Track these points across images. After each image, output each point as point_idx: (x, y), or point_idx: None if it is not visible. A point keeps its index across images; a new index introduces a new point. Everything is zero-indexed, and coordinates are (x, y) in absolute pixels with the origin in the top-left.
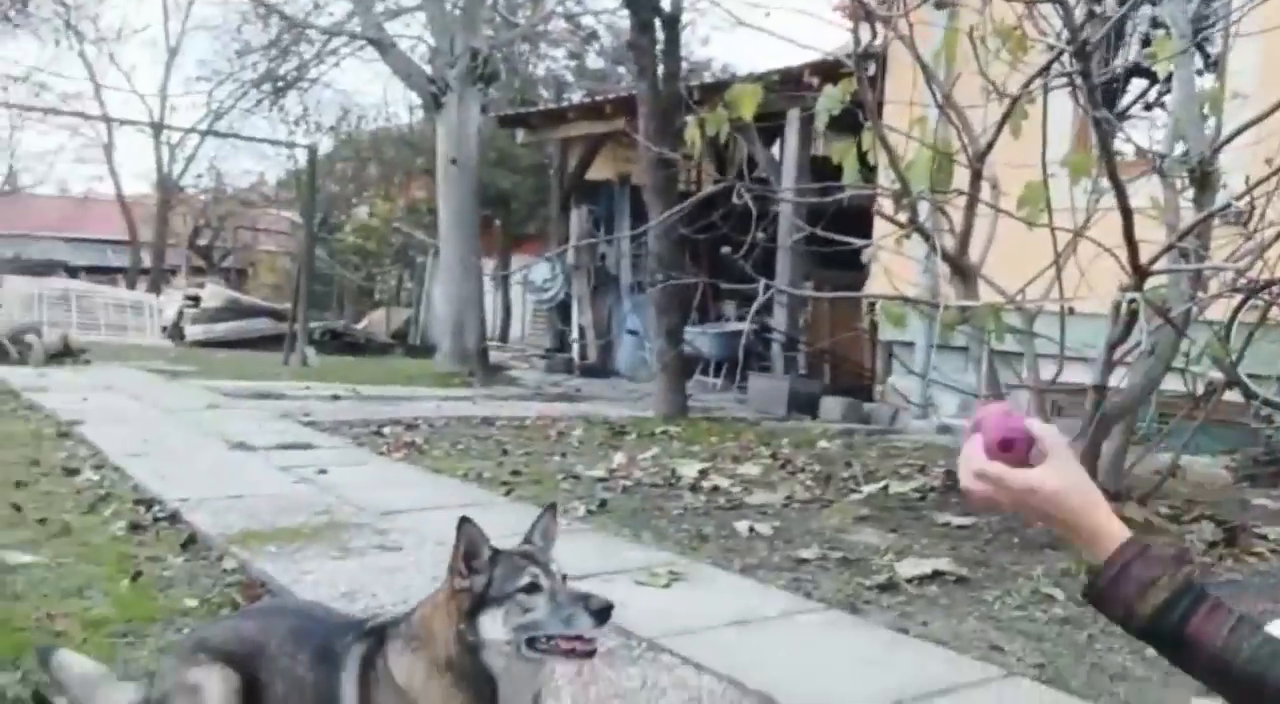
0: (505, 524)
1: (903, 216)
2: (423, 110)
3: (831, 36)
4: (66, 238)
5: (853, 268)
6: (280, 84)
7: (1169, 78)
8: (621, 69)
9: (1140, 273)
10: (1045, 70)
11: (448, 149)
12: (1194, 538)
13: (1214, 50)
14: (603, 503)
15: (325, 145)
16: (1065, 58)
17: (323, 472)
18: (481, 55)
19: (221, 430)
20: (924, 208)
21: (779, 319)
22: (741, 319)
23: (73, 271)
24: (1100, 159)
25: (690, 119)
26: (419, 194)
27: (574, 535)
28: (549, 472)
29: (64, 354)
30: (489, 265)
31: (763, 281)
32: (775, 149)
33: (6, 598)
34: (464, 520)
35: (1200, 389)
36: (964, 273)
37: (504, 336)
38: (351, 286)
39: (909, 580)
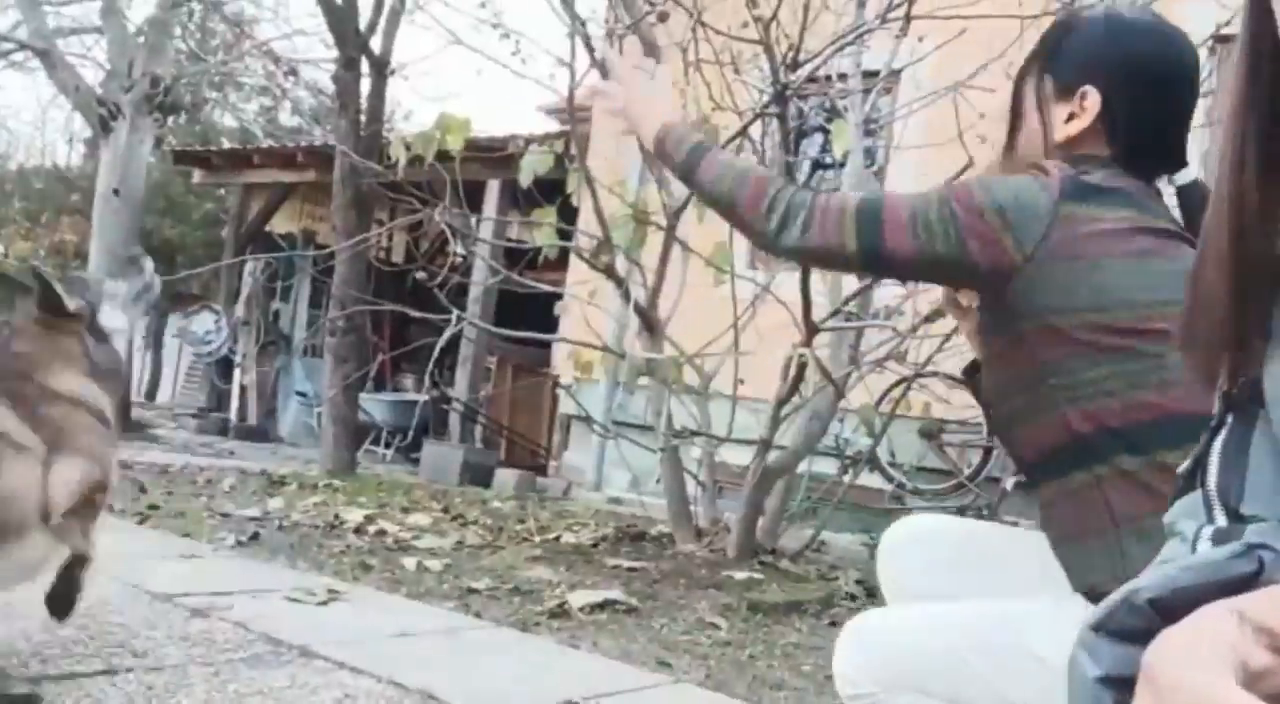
0: (138, 549)
1: (601, 262)
2: (85, 145)
3: (540, 126)
4: None
5: (539, 346)
6: None
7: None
8: (318, 130)
9: (812, 330)
10: (739, 135)
11: (110, 179)
12: (840, 586)
13: (878, 159)
14: (255, 535)
15: None
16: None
17: None
18: (163, 83)
19: None
20: (619, 262)
21: (460, 388)
22: (419, 391)
23: None
24: None
25: (395, 137)
26: (68, 236)
27: (220, 560)
28: (194, 509)
29: None
30: (140, 323)
31: (455, 313)
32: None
33: None
34: None
35: (845, 468)
36: (652, 325)
37: (151, 396)
38: None
39: (580, 608)
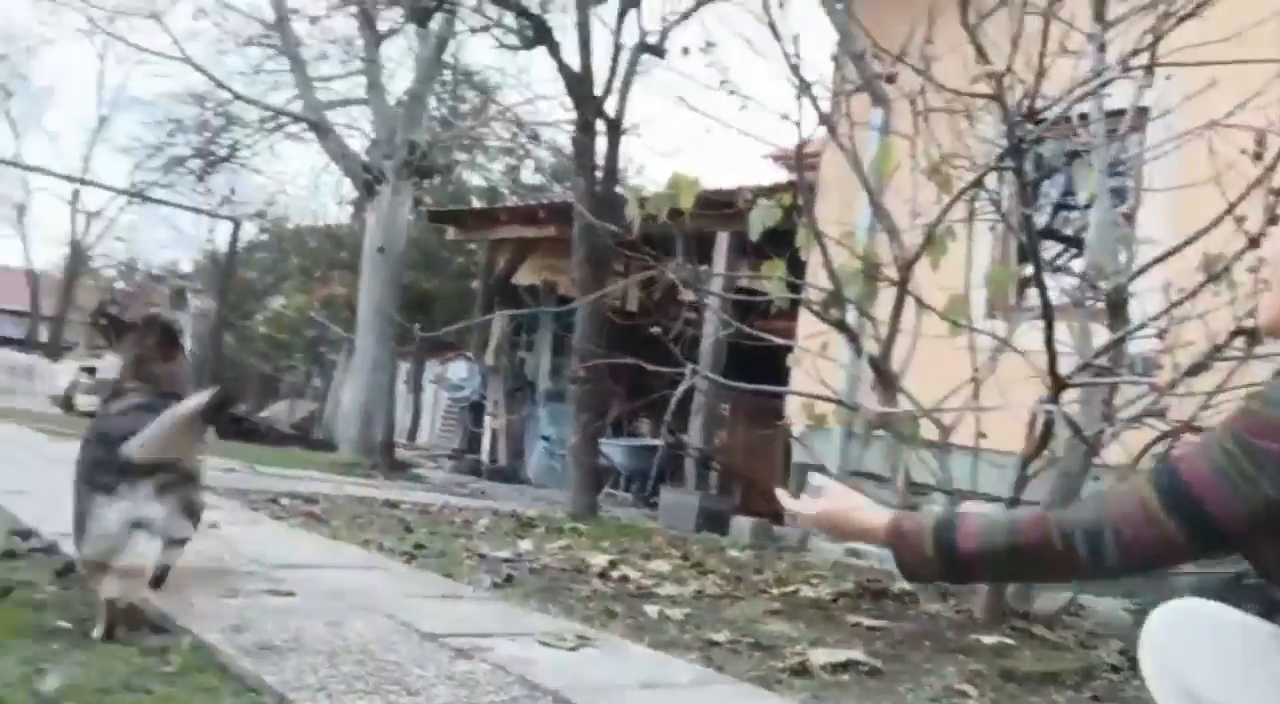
0: (407, 588)
1: (832, 315)
2: (352, 206)
3: (767, 176)
4: None
5: (772, 394)
6: (210, 161)
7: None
8: (558, 187)
9: (1059, 385)
10: (973, 186)
11: (375, 238)
12: (1101, 657)
13: (1129, 199)
14: (509, 578)
15: (249, 231)
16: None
17: (213, 526)
18: (419, 149)
19: None
20: (850, 315)
21: (695, 435)
22: (656, 437)
23: None
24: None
25: (629, 195)
26: (338, 289)
27: (479, 602)
28: (453, 549)
29: None
30: (403, 369)
31: (689, 366)
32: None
33: None
34: None
35: None
36: (886, 380)
37: (413, 437)
38: (256, 376)
39: (822, 667)
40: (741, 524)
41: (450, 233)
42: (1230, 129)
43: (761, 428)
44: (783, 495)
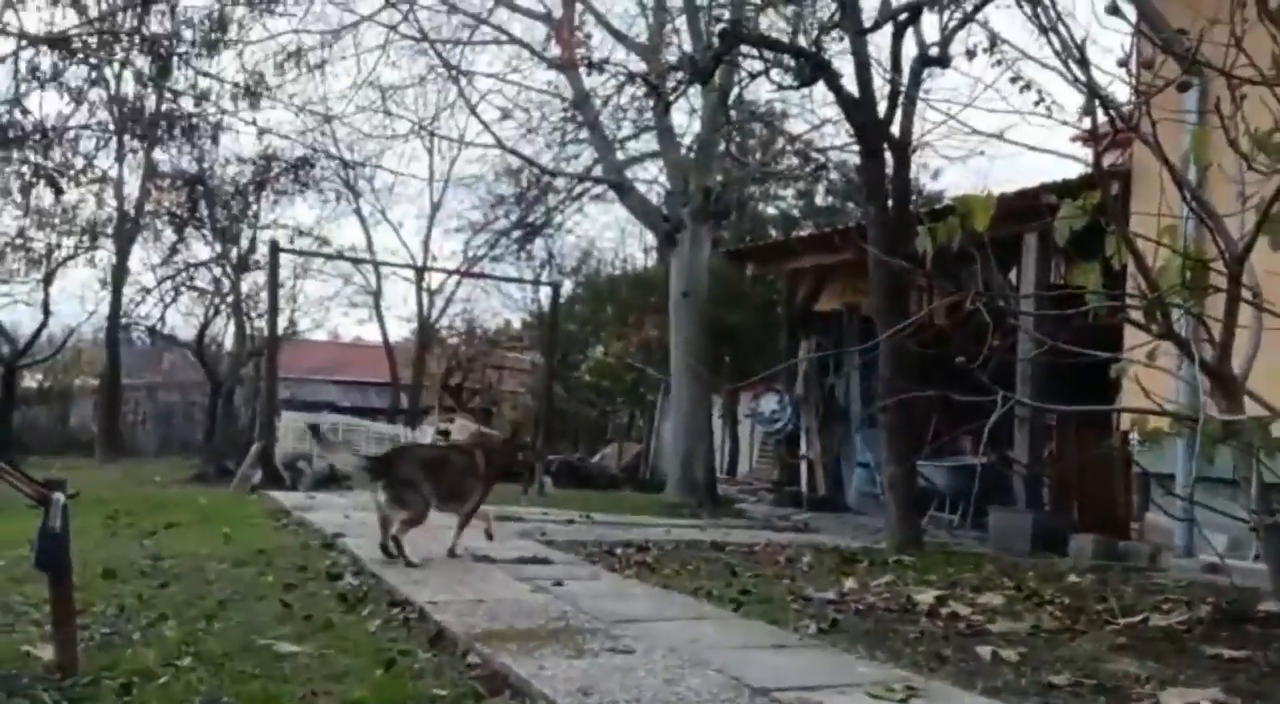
0: (735, 638)
1: (1155, 328)
2: (655, 251)
3: (1067, 168)
4: (335, 380)
5: (1099, 397)
6: (528, 230)
7: None
8: (851, 205)
9: None
10: None
11: (680, 283)
12: None
13: None
14: (834, 622)
15: (566, 287)
16: None
17: (558, 583)
18: (714, 193)
19: (466, 546)
20: (1178, 318)
21: (1020, 449)
22: (979, 452)
23: (339, 411)
24: None
25: (921, 229)
26: (651, 332)
27: (805, 650)
28: (778, 593)
29: (330, 480)
30: (717, 402)
31: (1001, 394)
32: (1012, 276)
33: (276, 680)
34: None
35: None
36: (1226, 385)
37: (731, 470)
38: (586, 422)
39: None
40: (1082, 543)
41: (750, 268)
42: None
43: (1094, 438)
44: None
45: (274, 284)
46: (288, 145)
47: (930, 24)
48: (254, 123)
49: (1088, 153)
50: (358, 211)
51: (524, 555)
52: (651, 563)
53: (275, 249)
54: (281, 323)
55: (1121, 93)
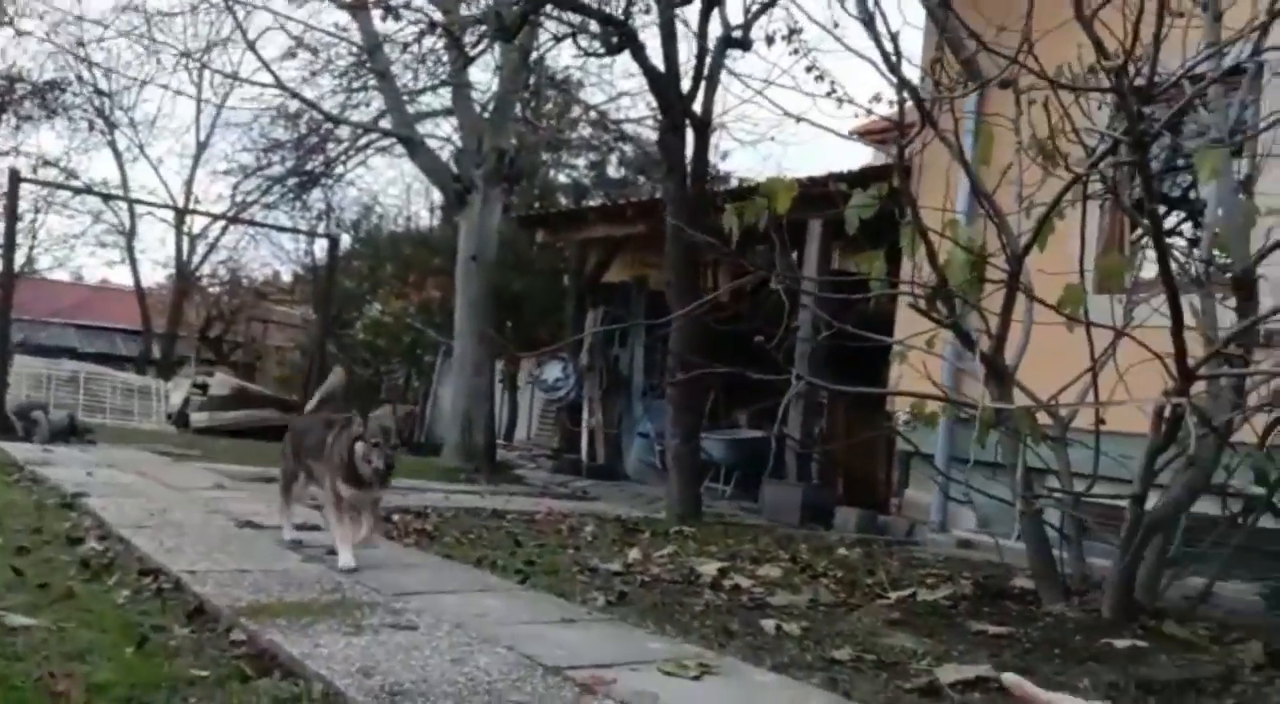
0: (523, 613)
1: (939, 317)
2: (442, 211)
3: (851, 159)
4: (78, 324)
5: (868, 379)
6: (306, 178)
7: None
8: (642, 179)
9: (1187, 377)
10: (1080, 179)
11: (468, 246)
12: (1242, 657)
13: (1241, 171)
14: (622, 595)
15: (344, 242)
16: (1104, 161)
17: (332, 552)
18: (508, 156)
19: (228, 509)
20: (962, 311)
21: (794, 426)
22: (754, 427)
23: (81, 358)
24: (1134, 258)
25: (729, 207)
26: (433, 293)
27: (595, 625)
28: (563, 563)
29: (69, 433)
30: (499, 368)
31: (794, 373)
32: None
33: (6, 658)
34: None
35: (1232, 509)
36: (1000, 375)
37: (509, 436)
38: (358, 383)
39: (951, 685)
40: (846, 516)
41: (539, 235)
42: None
43: (862, 416)
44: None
45: (12, 217)
46: (35, 66)
47: (735, 6)
48: None
49: (868, 149)
50: (112, 144)
51: (293, 521)
52: (431, 531)
53: (15, 178)
54: (19, 260)
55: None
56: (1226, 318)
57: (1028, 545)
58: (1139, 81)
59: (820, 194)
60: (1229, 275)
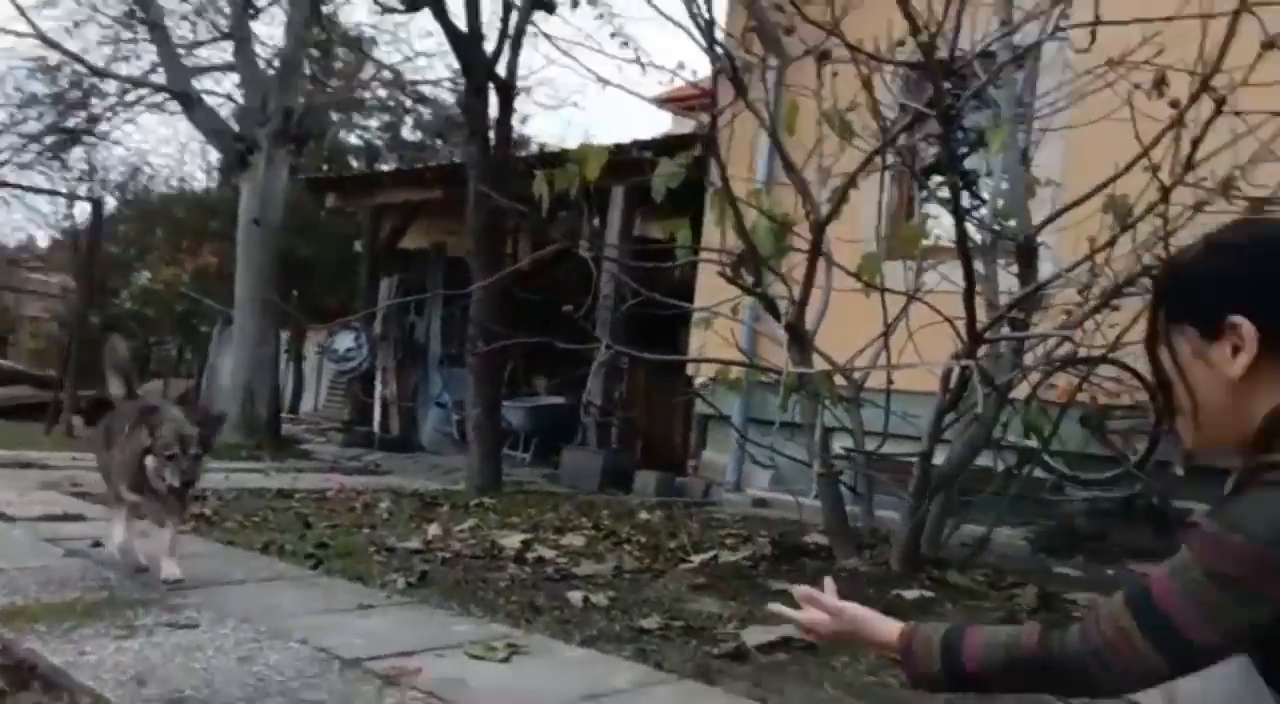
0: (317, 602)
1: (745, 284)
2: (222, 173)
3: (656, 122)
4: None
5: (669, 345)
6: (66, 137)
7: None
8: (440, 142)
9: (976, 340)
10: (880, 151)
11: (251, 210)
12: (1019, 602)
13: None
14: (423, 575)
15: (109, 205)
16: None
17: (97, 544)
18: (296, 115)
19: None
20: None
21: (595, 392)
22: (552, 393)
23: None
24: (925, 232)
25: (539, 173)
26: (209, 259)
27: (395, 610)
28: (358, 544)
29: None
30: (284, 337)
31: (603, 341)
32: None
33: None
34: None
35: (1003, 465)
36: (802, 340)
37: (295, 409)
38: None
39: (758, 648)
40: (645, 480)
41: (330, 200)
42: (1132, 67)
43: (661, 381)
44: (787, 612)
45: None
46: None
47: None
48: None
49: (668, 116)
50: None
51: (51, 511)
52: (211, 515)
53: None
54: None
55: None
56: (1006, 282)
57: (823, 503)
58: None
59: (625, 161)
60: (1009, 242)
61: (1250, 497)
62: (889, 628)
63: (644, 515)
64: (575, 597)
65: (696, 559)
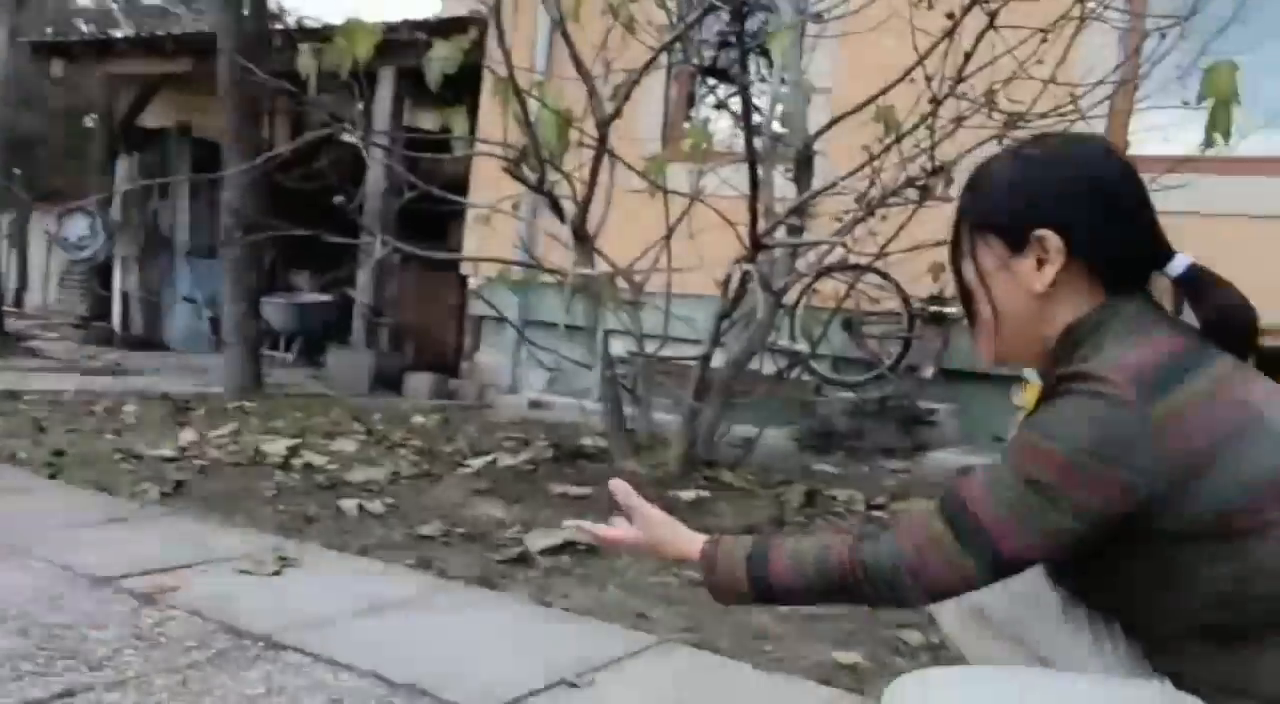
0: (57, 514)
1: (529, 179)
2: None
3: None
4: None
5: (440, 240)
6: None
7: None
8: (184, 9)
9: (756, 245)
10: (669, 47)
11: None
12: (786, 500)
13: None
14: (178, 484)
15: None
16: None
17: None
18: None
19: None
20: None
21: (362, 288)
22: (317, 291)
23: None
24: (709, 135)
25: (304, 48)
26: None
27: (151, 523)
28: (102, 451)
29: None
30: (4, 221)
31: (380, 237)
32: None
33: None
34: None
35: (779, 364)
36: (583, 242)
37: (19, 303)
38: None
39: (541, 552)
40: (418, 383)
41: (57, 68)
42: None
43: (435, 279)
44: (591, 526)
45: None
46: None
47: None
48: None
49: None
50: None
51: None
52: None
53: None
54: None
55: None
56: (781, 189)
57: (604, 405)
58: None
59: (396, 42)
60: (790, 149)
61: (1061, 404)
62: (690, 541)
63: (418, 419)
64: (349, 505)
65: (475, 463)
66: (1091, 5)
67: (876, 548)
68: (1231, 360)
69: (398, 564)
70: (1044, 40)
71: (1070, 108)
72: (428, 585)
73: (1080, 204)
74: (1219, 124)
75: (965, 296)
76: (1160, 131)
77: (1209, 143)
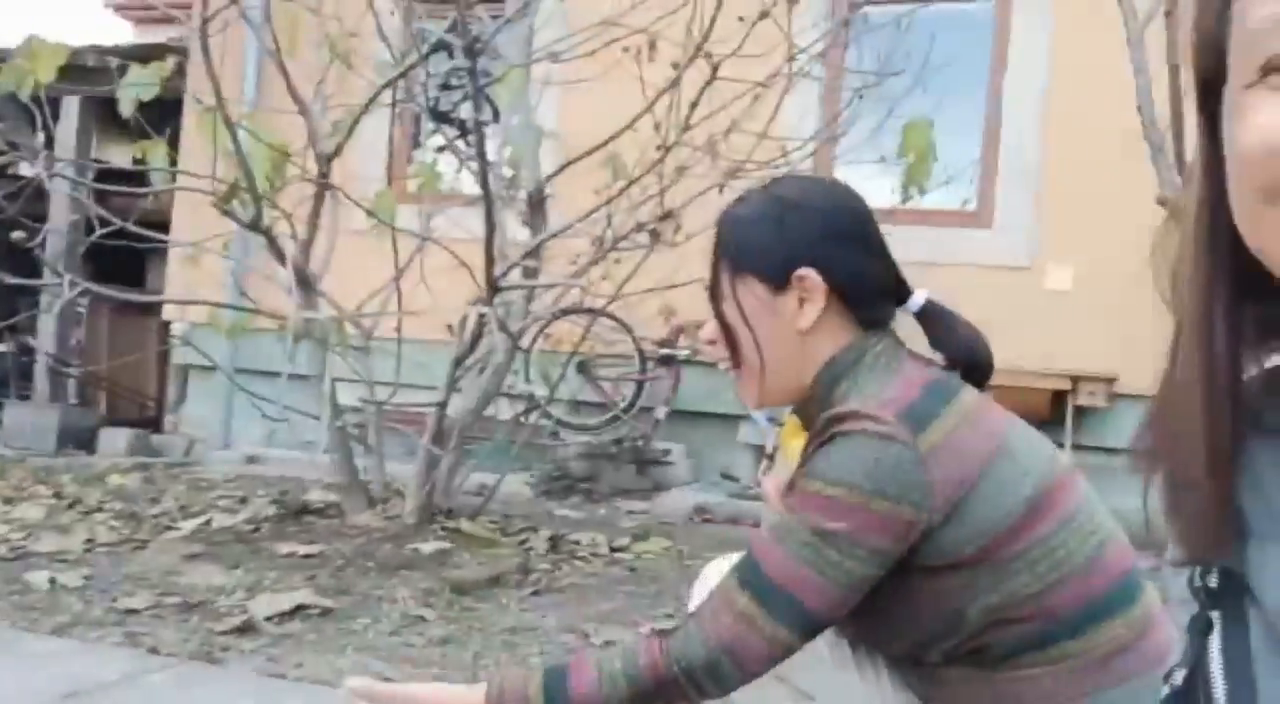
0: None
1: (242, 216)
2: None
3: (110, 32)
4: None
5: (138, 283)
6: None
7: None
8: None
9: (493, 287)
10: (393, 83)
11: None
12: (531, 547)
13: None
14: None
15: None
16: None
17: None
18: None
19: None
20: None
21: (45, 337)
22: None
23: None
24: (439, 175)
25: None
26: None
27: None
28: None
29: None
30: None
31: (67, 278)
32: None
33: None
34: None
35: (511, 412)
36: (306, 283)
37: None
38: None
39: (268, 619)
40: (114, 438)
41: None
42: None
43: (129, 325)
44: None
45: None
46: None
47: None
48: None
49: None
50: None
51: None
52: None
53: None
54: None
55: None
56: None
57: (333, 456)
58: None
59: (83, 67)
60: (521, 192)
61: (835, 447)
62: (469, 692)
63: (116, 479)
64: (39, 578)
65: (186, 526)
66: (799, 64)
67: (686, 641)
68: (973, 391)
69: (100, 643)
70: (757, 97)
71: (782, 160)
72: (138, 664)
73: (838, 243)
74: (916, 177)
75: (729, 339)
76: (856, 185)
77: (906, 196)
